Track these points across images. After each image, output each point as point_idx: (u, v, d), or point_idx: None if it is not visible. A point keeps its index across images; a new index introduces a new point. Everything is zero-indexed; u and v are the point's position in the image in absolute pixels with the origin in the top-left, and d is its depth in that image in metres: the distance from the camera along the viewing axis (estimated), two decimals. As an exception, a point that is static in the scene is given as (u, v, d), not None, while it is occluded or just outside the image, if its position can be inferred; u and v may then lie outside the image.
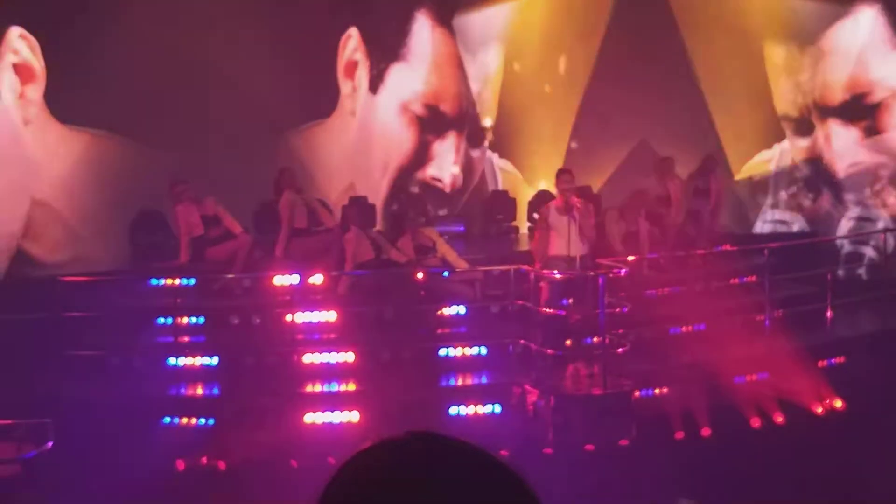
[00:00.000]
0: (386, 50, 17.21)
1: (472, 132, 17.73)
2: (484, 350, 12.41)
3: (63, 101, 14.89)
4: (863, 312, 14.10)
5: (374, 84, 17.22)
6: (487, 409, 11.69)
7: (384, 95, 17.27)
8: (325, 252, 13.44)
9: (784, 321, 13.30)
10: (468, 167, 17.72)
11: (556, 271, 12.16)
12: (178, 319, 12.67)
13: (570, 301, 12.32)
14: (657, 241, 14.15)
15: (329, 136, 17.07)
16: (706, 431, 11.87)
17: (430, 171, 17.40)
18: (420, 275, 12.92)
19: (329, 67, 16.88)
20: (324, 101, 16.96)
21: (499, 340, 12.40)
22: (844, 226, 17.33)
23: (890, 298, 14.16)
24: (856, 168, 17.43)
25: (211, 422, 11.51)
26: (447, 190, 17.42)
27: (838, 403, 12.57)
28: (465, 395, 11.90)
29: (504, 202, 16.85)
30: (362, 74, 17.12)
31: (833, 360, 13.27)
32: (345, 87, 17.12)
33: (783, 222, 17.67)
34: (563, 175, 12.62)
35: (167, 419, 11.53)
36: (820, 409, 12.51)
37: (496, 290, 13.12)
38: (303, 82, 16.28)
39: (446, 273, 13.24)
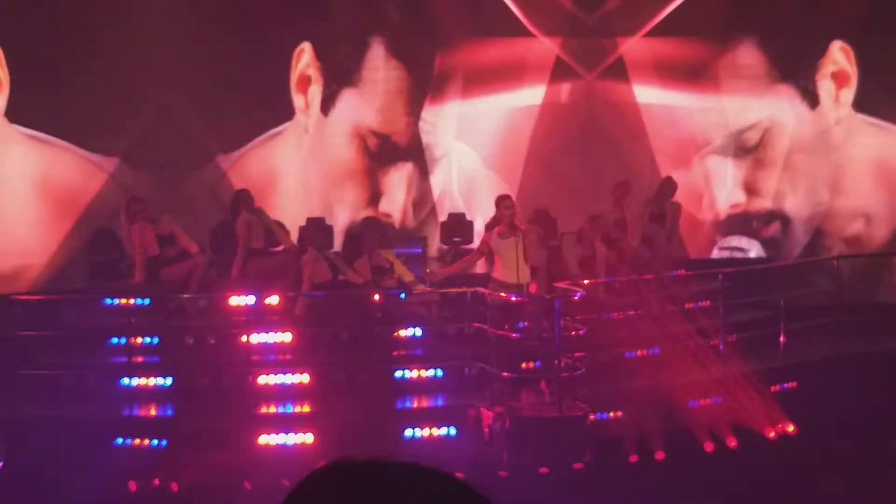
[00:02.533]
0: (338, 72, 17.22)
1: (426, 161, 17.74)
2: (440, 372, 12.41)
3: (26, 113, 14.90)
4: (815, 338, 14.22)
5: (326, 105, 17.23)
6: (443, 431, 11.68)
7: (335, 118, 17.29)
8: (282, 273, 13.41)
9: (738, 346, 13.39)
10: (420, 198, 17.73)
11: (507, 294, 12.17)
12: (133, 339, 12.57)
13: (526, 324, 12.35)
14: (613, 264, 14.22)
15: (283, 150, 17.07)
16: (660, 455, 11.93)
17: (381, 206, 17.39)
18: (377, 296, 12.91)
19: (283, 82, 16.92)
20: (277, 115, 16.98)
21: (455, 362, 12.41)
22: (716, 254, 17.63)
23: (842, 324, 14.30)
24: (736, 209, 17.77)
25: (164, 443, 11.42)
26: (397, 226, 17.44)
27: (790, 428, 12.67)
28: (420, 418, 11.89)
29: (461, 224, 16.88)
30: (315, 91, 17.14)
31: (786, 385, 13.38)
32: (297, 101, 17.14)
33: (740, 248, 17.84)
34: (503, 201, 12.64)
35: (120, 440, 11.43)
36: (772, 434, 12.60)
37: (452, 311, 13.14)
38: (257, 96, 16.31)
39: (403, 295, 13.24)
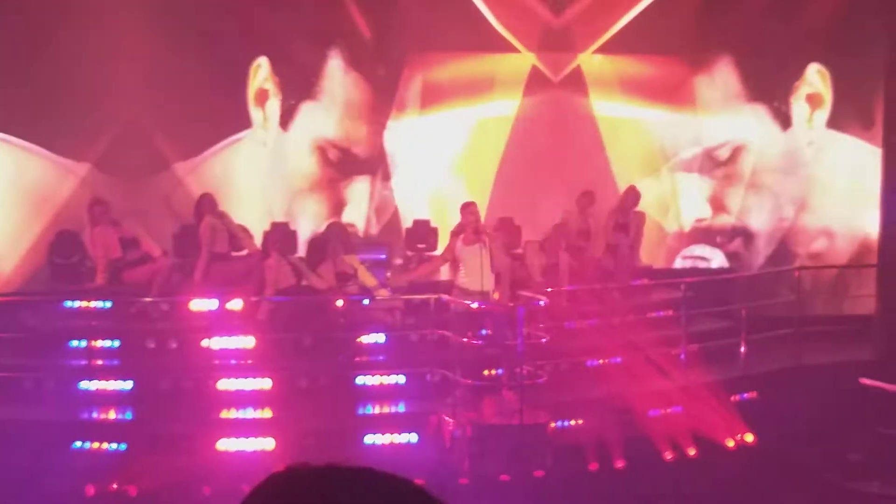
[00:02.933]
0: (296, 85, 17.19)
1: (387, 169, 17.73)
2: (402, 379, 12.40)
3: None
4: (775, 348, 14.32)
5: (285, 120, 17.20)
6: (404, 437, 11.68)
7: (295, 132, 17.26)
8: (245, 277, 13.36)
9: (699, 355, 13.46)
10: (383, 207, 17.73)
11: (471, 301, 12.18)
12: (93, 342, 12.49)
13: (489, 332, 12.37)
14: (577, 273, 14.27)
15: (243, 161, 17.04)
16: (620, 463, 11.97)
17: (345, 216, 17.37)
18: (340, 302, 12.89)
19: (241, 94, 16.90)
20: (238, 121, 16.94)
21: (417, 369, 12.41)
22: (678, 262, 17.74)
23: (802, 335, 14.42)
24: (700, 224, 17.90)
25: (123, 447, 11.35)
26: (360, 235, 17.42)
27: (749, 437, 12.74)
28: (381, 424, 11.88)
29: (425, 231, 16.88)
30: (273, 105, 17.11)
31: (745, 395, 13.47)
32: (255, 115, 17.11)
33: (703, 258, 17.94)
34: (468, 207, 12.66)
35: (78, 443, 11.35)
36: (732, 443, 12.67)
37: (416, 318, 13.14)
38: (216, 106, 16.28)
39: (366, 301, 13.23)
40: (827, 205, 17.74)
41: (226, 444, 11.33)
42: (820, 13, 17.19)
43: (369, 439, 11.62)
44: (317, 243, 14.04)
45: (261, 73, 17.03)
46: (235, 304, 12.73)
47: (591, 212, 15.23)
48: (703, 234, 17.96)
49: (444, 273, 13.67)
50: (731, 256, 17.89)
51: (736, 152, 17.87)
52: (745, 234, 17.94)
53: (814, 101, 17.74)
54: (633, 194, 15.69)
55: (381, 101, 17.56)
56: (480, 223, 12.39)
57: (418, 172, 17.74)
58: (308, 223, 17.00)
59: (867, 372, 13.12)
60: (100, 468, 11.12)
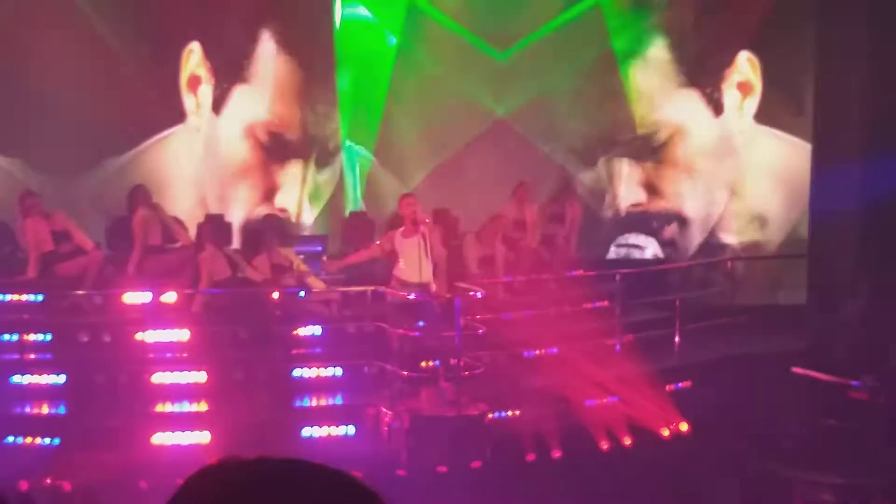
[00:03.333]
0: (229, 69, 17.07)
1: (320, 156, 17.63)
2: (339, 371, 12.38)
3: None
4: (710, 338, 14.47)
5: (217, 104, 17.07)
6: (341, 430, 11.66)
7: (227, 117, 17.15)
8: (179, 270, 13.25)
9: (634, 346, 13.58)
10: (315, 192, 17.65)
11: (408, 292, 12.19)
12: (25, 336, 12.32)
13: (425, 323, 12.37)
14: (513, 265, 14.32)
15: (176, 150, 16.90)
16: (557, 453, 12.04)
17: (277, 201, 17.29)
18: (276, 294, 12.83)
19: (173, 81, 16.76)
20: (170, 114, 16.80)
21: (354, 361, 12.38)
22: (612, 251, 17.89)
23: (735, 325, 14.58)
24: (636, 208, 18.05)
25: (56, 441, 11.22)
26: (293, 220, 17.35)
27: (684, 426, 12.87)
28: (319, 417, 11.85)
29: (363, 223, 16.84)
30: (206, 91, 16.98)
31: (680, 385, 13.60)
32: (188, 101, 16.97)
33: (637, 246, 18.06)
34: (406, 198, 12.67)
35: (10, 438, 11.20)
36: (667, 432, 12.79)
37: (352, 310, 13.11)
38: (148, 95, 16.14)
39: (302, 293, 13.18)
40: (759, 193, 17.93)
41: (161, 438, 11.24)
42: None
43: (307, 432, 11.59)
44: (252, 235, 13.96)
45: (193, 58, 16.89)
46: (170, 297, 12.62)
47: (527, 203, 15.28)
48: (639, 221, 18.07)
49: (382, 264, 13.63)
50: (665, 244, 18.03)
51: (672, 136, 18.00)
52: (680, 220, 18.08)
53: (744, 88, 17.92)
54: (569, 185, 15.78)
55: (311, 82, 17.43)
56: (420, 214, 12.38)
57: (352, 158, 17.66)
58: (241, 209, 16.90)
59: (799, 361, 13.30)
60: (33, 463, 10.98)
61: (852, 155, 14.55)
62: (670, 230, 18.07)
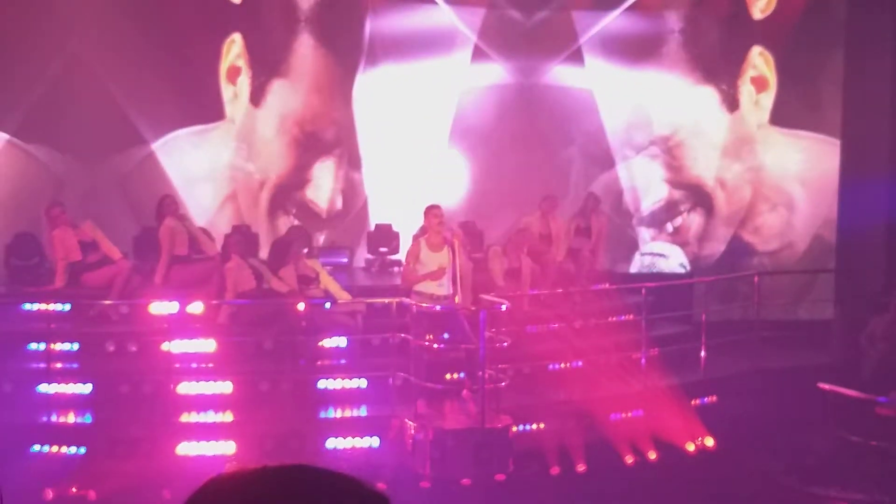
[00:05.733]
0: (267, 63, 17.17)
1: (353, 156, 17.68)
2: (364, 382, 12.38)
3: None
4: (735, 352, 14.42)
5: (256, 97, 17.19)
6: (366, 441, 11.66)
7: (264, 109, 17.26)
8: (206, 280, 13.29)
9: (659, 360, 13.53)
10: (350, 191, 17.70)
11: (434, 305, 12.16)
12: (52, 345, 12.38)
13: (450, 335, 12.36)
14: (538, 277, 14.30)
15: (211, 141, 17.05)
16: (581, 467, 12.01)
17: (308, 193, 17.40)
18: (301, 305, 12.85)
19: (212, 73, 16.88)
20: (208, 106, 16.95)
21: (379, 373, 12.38)
22: (637, 260, 17.85)
23: (760, 339, 14.52)
24: (657, 205, 18.01)
25: (82, 450, 11.27)
26: (323, 215, 17.40)
27: (710, 442, 12.82)
28: (343, 428, 11.85)
29: (387, 235, 16.88)
30: (244, 82, 17.10)
31: (705, 399, 13.55)
32: (227, 91, 17.08)
33: (661, 255, 18.01)
34: (432, 210, 12.52)
35: (37, 447, 11.25)
36: (692, 447, 12.75)
37: (378, 321, 13.11)
38: (185, 87, 16.29)
39: (328, 304, 13.19)
40: (781, 196, 17.87)
41: (186, 448, 11.26)
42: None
43: (331, 443, 11.60)
44: (279, 246, 13.99)
45: (234, 48, 17.01)
46: (196, 308, 12.65)
47: (552, 215, 15.27)
48: (661, 221, 18.00)
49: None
50: (687, 249, 17.96)
51: (689, 135, 17.95)
52: (702, 219, 18.01)
53: (759, 83, 17.86)
54: (593, 199, 15.76)
55: (347, 78, 17.48)
56: (444, 226, 12.34)
57: (386, 158, 17.69)
58: (270, 193, 17.03)
59: (826, 376, 13.23)
60: (59, 472, 11.03)
61: (880, 170, 14.51)
62: (692, 233, 18.01)
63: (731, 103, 17.94)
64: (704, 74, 17.82)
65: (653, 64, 17.85)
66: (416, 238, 13.14)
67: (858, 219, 15.32)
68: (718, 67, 17.83)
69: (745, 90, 17.87)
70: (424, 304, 12.01)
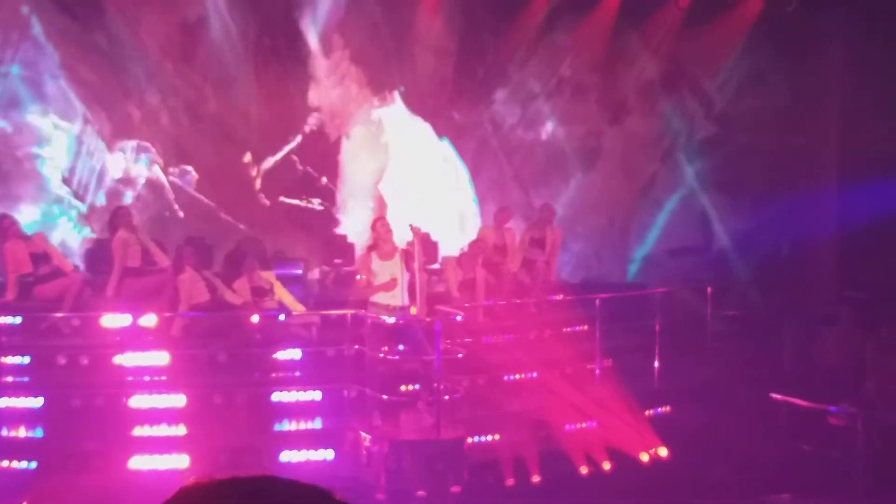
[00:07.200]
0: None
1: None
2: (319, 395, 12.34)
3: None
4: (688, 363, 14.50)
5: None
6: (320, 454, 11.62)
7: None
8: (158, 293, 13.20)
9: (613, 370, 13.59)
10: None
11: (388, 317, 12.15)
12: (3, 358, 12.25)
13: (405, 347, 12.36)
14: (493, 289, 14.33)
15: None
16: (536, 478, 12.02)
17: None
18: (256, 317, 12.79)
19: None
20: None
21: (334, 385, 12.35)
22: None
23: (713, 350, 14.61)
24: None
25: (33, 465, 11.15)
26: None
27: (663, 451, 12.88)
28: (297, 441, 11.81)
29: (342, 246, 16.84)
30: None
31: (659, 409, 13.62)
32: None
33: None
34: (379, 222, 12.57)
35: (-13, 462, 11.13)
36: (646, 457, 12.80)
37: (333, 333, 13.08)
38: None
39: (282, 316, 13.14)
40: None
41: (139, 462, 11.18)
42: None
43: (285, 456, 11.55)
44: (232, 258, 13.93)
45: None
46: (149, 320, 12.56)
47: (507, 227, 15.32)
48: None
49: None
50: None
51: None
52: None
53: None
54: (548, 210, 15.81)
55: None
56: (392, 237, 12.36)
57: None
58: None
59: (778, 387, 13.34)
60: (10, 487, 10.90)
61: (829, 182, 14.68)
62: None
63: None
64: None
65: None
66: (367, 249, 13.14)
67: (808, 231, 15.48)
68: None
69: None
70: (381, 316, 12.01)
